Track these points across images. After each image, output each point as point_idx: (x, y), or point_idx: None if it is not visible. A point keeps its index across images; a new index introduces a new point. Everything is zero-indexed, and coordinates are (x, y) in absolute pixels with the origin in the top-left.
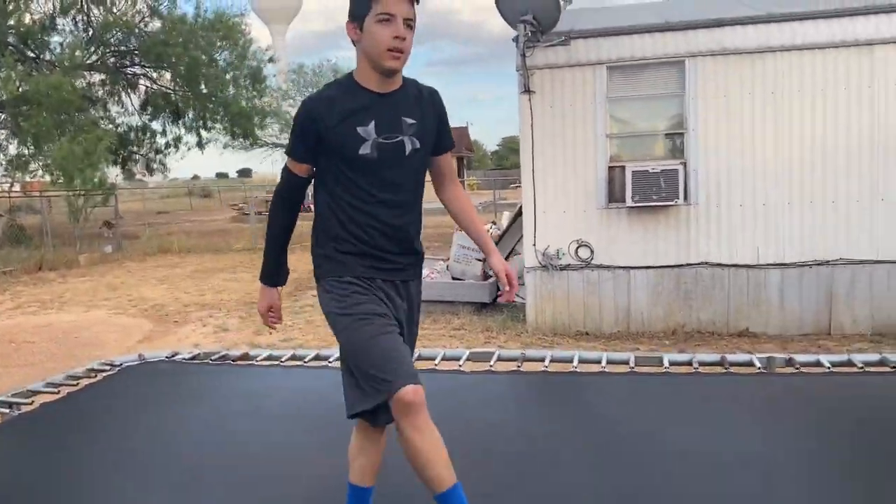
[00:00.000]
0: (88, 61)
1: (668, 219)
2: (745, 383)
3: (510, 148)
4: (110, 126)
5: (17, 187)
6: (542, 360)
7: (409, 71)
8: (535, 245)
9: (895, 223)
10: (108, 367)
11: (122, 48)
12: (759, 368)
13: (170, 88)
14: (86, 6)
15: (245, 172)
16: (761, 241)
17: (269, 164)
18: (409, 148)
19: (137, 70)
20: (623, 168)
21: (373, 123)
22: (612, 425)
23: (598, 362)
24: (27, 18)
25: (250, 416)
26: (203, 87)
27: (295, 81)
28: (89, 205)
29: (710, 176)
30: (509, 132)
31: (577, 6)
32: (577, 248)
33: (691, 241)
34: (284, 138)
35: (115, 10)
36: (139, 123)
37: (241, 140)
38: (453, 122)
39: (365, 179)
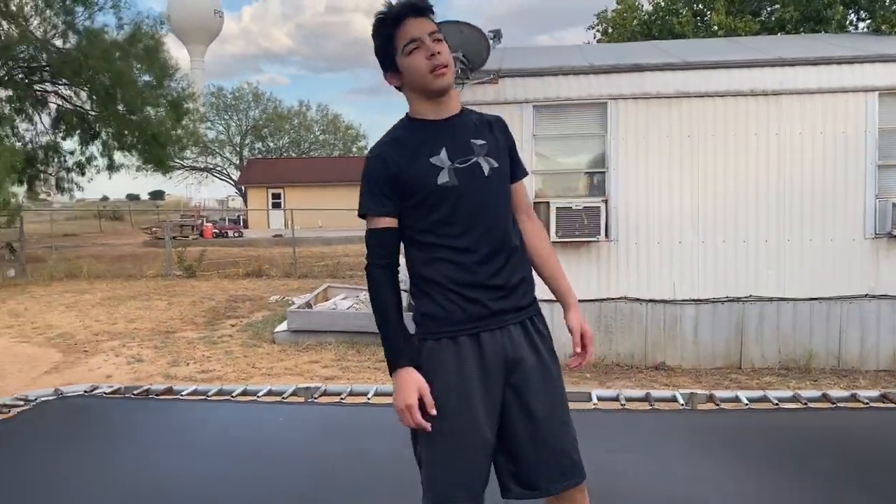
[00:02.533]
0: None
1: (589, 254)
2: (669, 420)
3: None
4: (17, 144)
5: None
6: None
7: (331, 97)
8: None
9: (800, 263)
10: (21, 403)
11: (33, 64)
12: (682, 405)
13: (82, 107)
14: None
15: (157, 195)
16: (677, 278)
17: (183, 188)
18: (487, 167)
19: (48, 87)
20: (548, 204)
21: (444, 151)
22: None
23: None
24: None
25: (178, 451)
26: (121, 105)
27: (214, 104)
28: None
29: (629, 214)
30: None
31: (506, 45)
32: None
33: (611, 276)
34: (201, 161)
35: (25, 24)
36: (49, 142)
37: (151, 166)
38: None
39: (448, 211)
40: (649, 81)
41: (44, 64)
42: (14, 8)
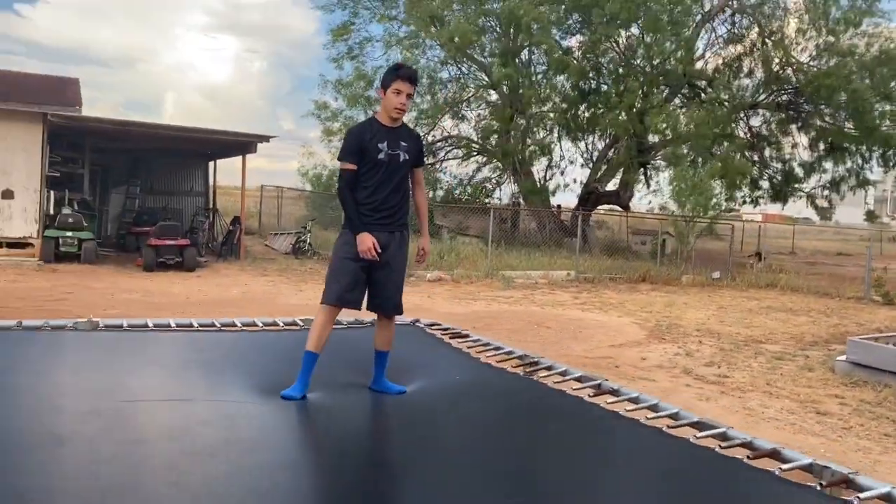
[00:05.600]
0: (759, 100)
1: None
2: None
3: None
4: (755, 161)
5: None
6: None
7: None
8: None
9: None
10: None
11: (797, 87)
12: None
13: (834, 125)
14: (766, 48)
15: None
16: None
17: None
18: (402, 158)
19: (808, 108)
20: None
21: (386, 142)
22: None
23: None
24: (718, 62)
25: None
26: (878, 122)
27: None
28: (695, 230)
29: None
30: None
31: None
32: None
33: None
34: None
35: (791, 52)
36: (808, 161)
37: None
38: None
39: (378, 173)
40: None
41: (798, 86)
42: (785, 36)
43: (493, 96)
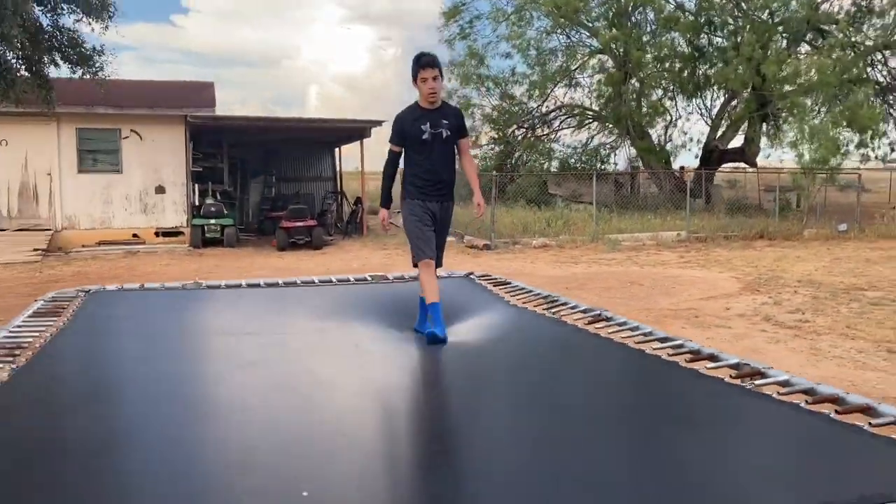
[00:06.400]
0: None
1: None
2: None
3: None
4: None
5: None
6: None
7: None
8: None
9: None
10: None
11: None
12: None
13: None
14: None
15: None
16: None
17: None
18: (445, 134)
19: None
20: None
21: (428, 123)
22: None
23: None
24: (846, 3)
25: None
26: None
27: None
28: (816, 182)
29: None
30: None
31: None
32: None
33: None
34: None
35: None
36: None
37: None
38: None
39: (424, 151)
40: None
41: None
42: None
43: (607, 62)
